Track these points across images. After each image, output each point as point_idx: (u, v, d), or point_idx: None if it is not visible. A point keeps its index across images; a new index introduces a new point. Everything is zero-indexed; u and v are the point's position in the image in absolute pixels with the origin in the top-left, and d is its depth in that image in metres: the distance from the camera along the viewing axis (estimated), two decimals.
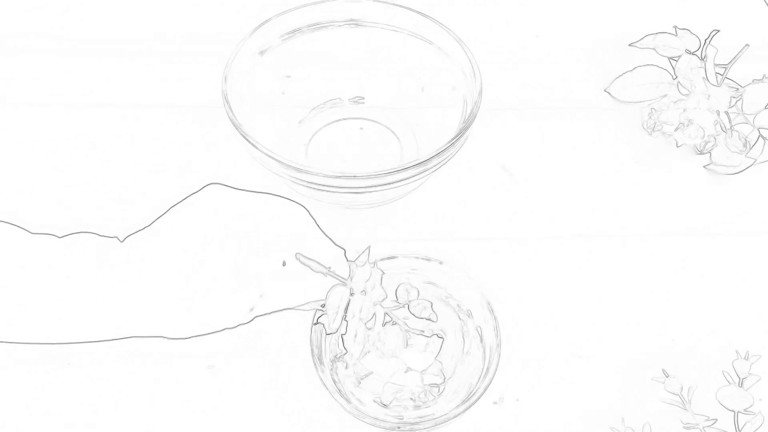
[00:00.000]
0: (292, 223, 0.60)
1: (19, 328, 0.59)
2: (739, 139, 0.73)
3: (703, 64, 0.74)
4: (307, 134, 0.75)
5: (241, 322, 0.58)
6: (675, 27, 0.76)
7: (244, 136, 0.64)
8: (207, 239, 0.60)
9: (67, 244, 0.62)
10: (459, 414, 0.59)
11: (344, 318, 0.58)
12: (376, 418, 0.59)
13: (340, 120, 0.76)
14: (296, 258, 0.59)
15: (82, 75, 0.79)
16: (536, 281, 0.69)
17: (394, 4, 0.72)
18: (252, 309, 0.58)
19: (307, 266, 0.59)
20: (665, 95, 0.76)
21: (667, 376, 0.63)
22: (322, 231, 0.60)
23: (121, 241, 0.61)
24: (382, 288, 0.59)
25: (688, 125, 0.73)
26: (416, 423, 0.59)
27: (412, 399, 0.61)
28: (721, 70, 0.74)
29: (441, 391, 0.61)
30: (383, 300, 0.59)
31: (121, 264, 0.60)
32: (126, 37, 0.81)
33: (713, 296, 0.68)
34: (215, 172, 0.72)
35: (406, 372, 0.59)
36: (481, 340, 0.63)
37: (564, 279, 0.69)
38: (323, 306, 0.58)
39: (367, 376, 0.61)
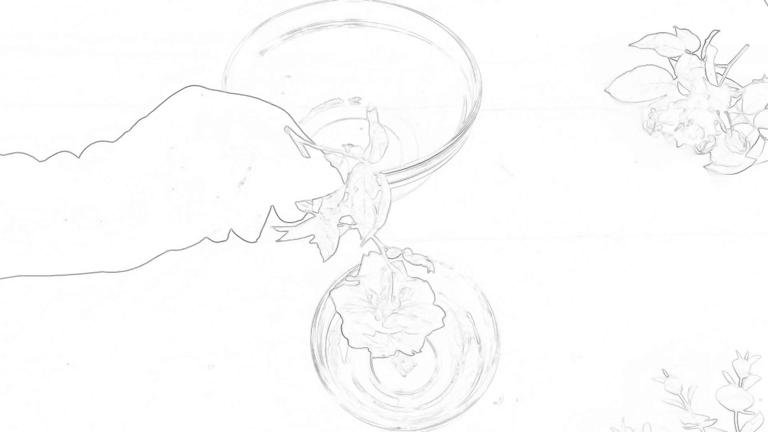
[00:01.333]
0: (273, 126, 0.57)
1: None
2: (739, 139, 0.73)
3: (703, 64, 0.74)
4: (307, 134, 0.74)
5: (211, 233, 0.56)
6: (675, 27, 0.76)
7: None
8: (179, 144, 0.57)
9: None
10: (459, 414, 0.59)
11: (346, 192, 0.57)
12: (377, 419, 0.59)
13: (340, 120, 0.76)
14: (284, 131, 0.57)
15: (82, 75, 0.79)
16: (536, 281, 0.69)
17: (394, 4, 0.72)
18: (242, 182, 0.56)
19: (296, 142, 0.57)
20: (665, 95, 0.76)
21: (667, 376, 0.63)
22: (304, 134, 0.58)
23: (78, 157, 0.57)
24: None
25: (688, 125, 0.73)
26: (416, 423, 0.59)
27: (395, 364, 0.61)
28: (721, 70, 0.74)
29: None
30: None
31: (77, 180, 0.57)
32: (126, 37, 0.81)
33: (713, 296, 0.68)
34: None
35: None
36: (481, 341, 0.63)
37: (564, 279, 0.69)
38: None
39: (413, 368, 0.61)
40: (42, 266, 0.56)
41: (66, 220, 0.56)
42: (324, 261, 0.58)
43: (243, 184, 0.56)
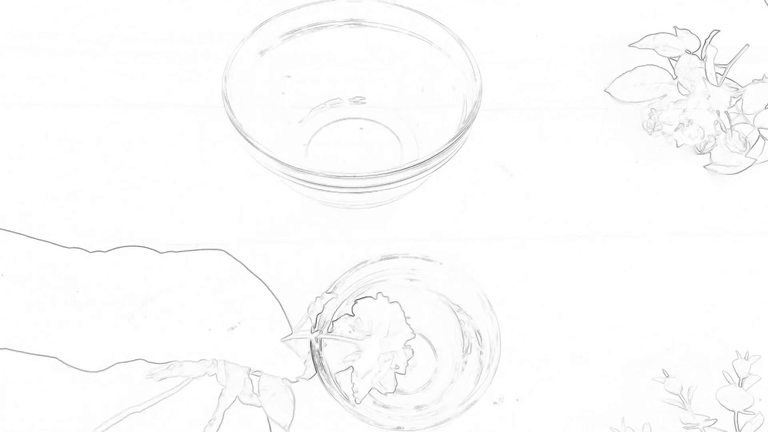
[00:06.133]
0: (267, 307, 0.66)
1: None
2: (739, 139, 0.73)
3: (703, 64, 0.74)
4: (307, 134, 0.75)
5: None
6: (675, 27, 0.76)
7: (244, 136, 0.64)
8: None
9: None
10: (459, 414, 0.59)
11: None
12: (377, 419, 0.59)
13: (340, 120, 0.76)
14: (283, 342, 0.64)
15: (81, 75, 0.79)
16: (536, 281, 0.69)
17: (394, 4, 0.72)
18: (232, 328, 0.64)
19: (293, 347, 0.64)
20: (665, 95, 0.76)
21: (667, 376, 0.63)
22: (248, 269, 0.66)
23: (90, 252, 0.67)
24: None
25: (688, 125, 0.73)
26: (416, 423, 0.59)
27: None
28: (721, 70, 0.74)
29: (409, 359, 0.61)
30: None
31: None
32: (126, 37, 0.81)
33: (713, 296, 0.68)
34: (215, 173, 0.72)
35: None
36: (481, 341, 0.63)
37: (564, 279, 0.69)
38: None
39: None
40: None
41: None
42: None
43: (233, 330, 0.63)
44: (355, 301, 0.60)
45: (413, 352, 0.62)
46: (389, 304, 0.60)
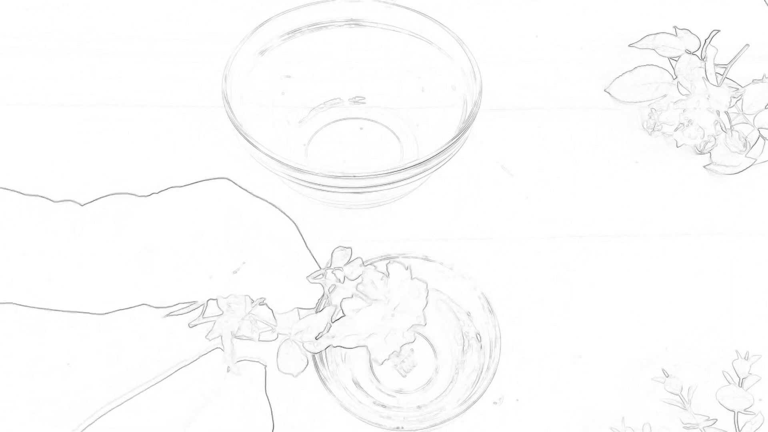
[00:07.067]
0: (281, 233, 0.63)
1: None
2: (739, 139, 0.73)
3: (703, 64, 0.74)
4: (307, 134, 0.75)
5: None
6: (675, 27, 0.76)
7: (244, 136, 0.64)
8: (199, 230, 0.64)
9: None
10: (459, 414, 0.59)
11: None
12: (377, 419, 0.59)
13: (340, 120, 0.76)
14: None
15: (81, 75, 0.79)
16: (536, 281, 0.69)
17: (394, 4, 0.72)
18: (235, 272, 0.62)
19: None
20: (665, 95, 0.76)
21: (667, 376, 0.63)
22: (308, 248, 0.64)
23: (82, 205, 0.65)
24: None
25: (688, 125, 0.73)
26: (416, 423, 0.59)
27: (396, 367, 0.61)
28: (721, 70, 0.74)
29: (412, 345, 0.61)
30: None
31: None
32: (126, 37, 0.81)
33: (713, 296, 0.68)
34: (215, 173, 0.72)
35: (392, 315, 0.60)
36: (481, 341, 0.63)
37: (564, 279, 0.69)
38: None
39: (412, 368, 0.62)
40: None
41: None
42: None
43: (236, 273, 0.62)
44: (390, 261, 0.60)
45: (413, 351, 0.62)
46: (420, 284, 0.59)
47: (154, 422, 0.60)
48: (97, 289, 0.63)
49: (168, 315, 0.62)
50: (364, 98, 0.76)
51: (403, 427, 0.59)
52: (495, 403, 0.63)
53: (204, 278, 0.62)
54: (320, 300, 0.61)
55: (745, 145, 0.73)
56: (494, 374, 0.60)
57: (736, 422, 0.61)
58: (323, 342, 0.59)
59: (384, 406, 0.62)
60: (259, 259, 0.62)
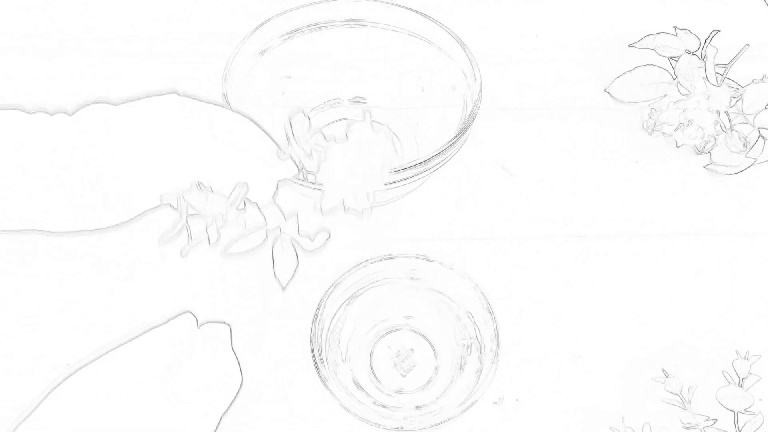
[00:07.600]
0: (240, 137, 0.63)
1: None
2: (739, 139, 0.73)
3: (703, 64, 0.74)
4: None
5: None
6: (675, 27, 0.76)
7: None
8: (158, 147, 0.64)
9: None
10: (459, 414, 0.59)
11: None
12: (377, 419, 0.59)
13: (340, 120, 0.76)
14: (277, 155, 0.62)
15: (81, 74, 0.79)
16: (536, 281, 0.69)
17: (394, 4, 0.72)
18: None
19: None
20: (665, 95, 0.76)
21: (667, 376, 0.63)
22: (268, 134, 0.63)
23: (51, 115, 0.66)
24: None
25: (688, 125, 0.73)
26: (416, 423, 0.59)
27: (395, 366, 0.61)
28: (721, 70, 0.74)
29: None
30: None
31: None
32: (126, 37, 0.81)
33: (713, 296, 0.68)
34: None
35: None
36: (481, 340, 0.63)
37: (564, 279, 0.69)
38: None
39: (412, 368, 0.62)
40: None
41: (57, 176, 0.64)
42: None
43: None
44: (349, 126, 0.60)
45: (413, 351, 0.62)
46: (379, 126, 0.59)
47: (127, 379, 0.60)
48: (66, 207, 0.63)
49: (162, 241, 0.62)
50: (364, 98, 0.76)
51: (403, 427, 0.59)
52: (495, 403, 0.63)
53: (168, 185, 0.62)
54: (298, 175, 0.61)
55: (745, 145, 0.73)
56: (494, 374, 0.60)
57: (736, 422, 0.61)
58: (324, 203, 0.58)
59: (384, 406, 0.62)
60: (223, 152, 0.63)
